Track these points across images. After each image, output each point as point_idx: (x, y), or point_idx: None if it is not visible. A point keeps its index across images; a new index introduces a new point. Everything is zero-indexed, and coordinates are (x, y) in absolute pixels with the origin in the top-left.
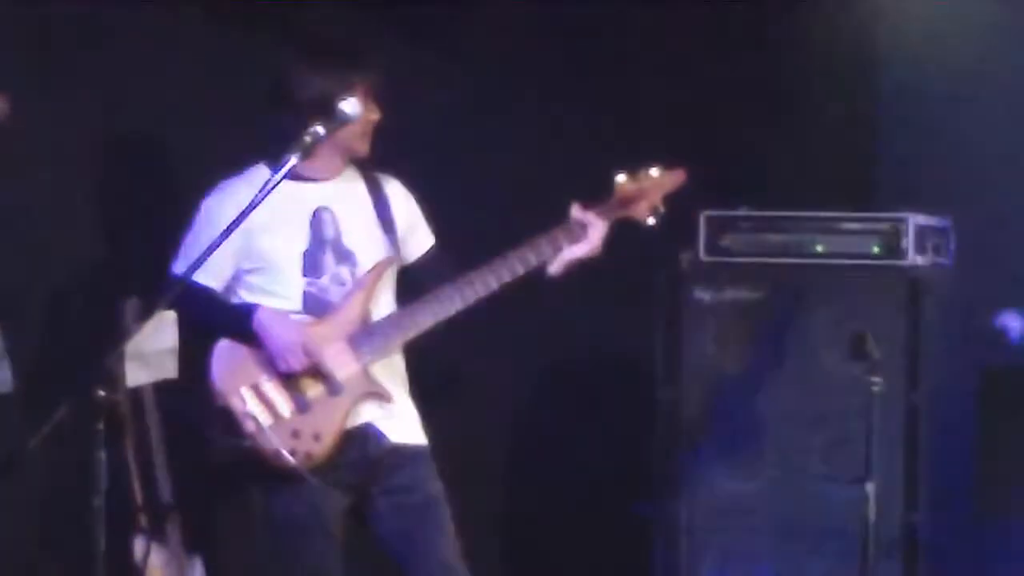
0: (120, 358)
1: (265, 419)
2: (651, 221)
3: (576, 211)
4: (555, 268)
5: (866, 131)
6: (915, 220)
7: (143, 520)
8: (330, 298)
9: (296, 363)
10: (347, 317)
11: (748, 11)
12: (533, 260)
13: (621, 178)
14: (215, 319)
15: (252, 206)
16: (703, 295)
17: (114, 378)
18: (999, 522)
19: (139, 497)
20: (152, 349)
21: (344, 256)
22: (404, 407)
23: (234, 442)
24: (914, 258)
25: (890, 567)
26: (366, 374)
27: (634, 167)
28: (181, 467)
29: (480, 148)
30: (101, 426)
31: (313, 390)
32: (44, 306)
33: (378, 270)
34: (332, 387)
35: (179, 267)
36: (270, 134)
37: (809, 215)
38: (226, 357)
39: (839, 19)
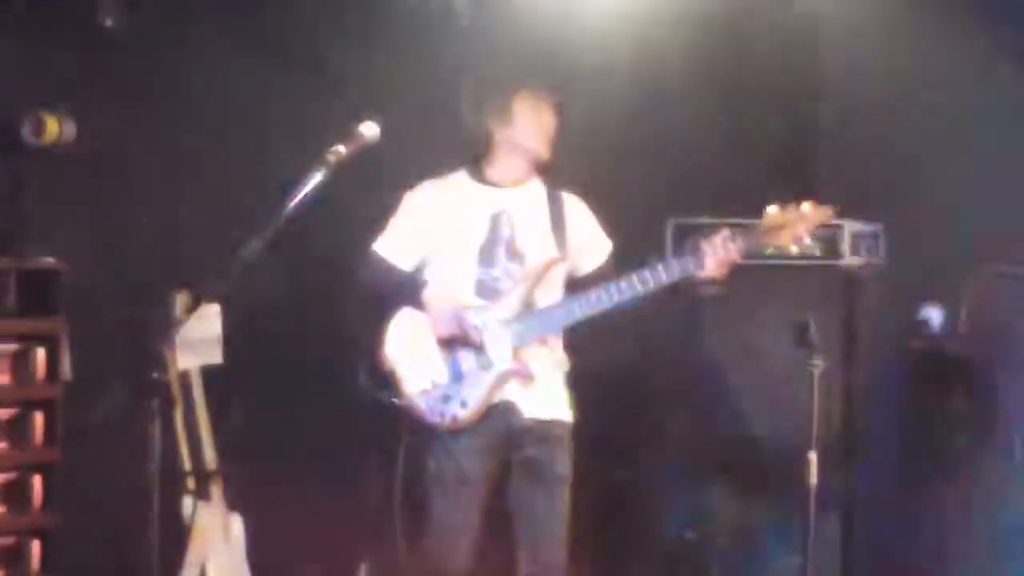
0: (171, 345)
1: (423, 384)
2: (794, 250)
3: (702, 242)
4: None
5: (810, 149)
6: (850, 227)
7: (191, 483)
8: (500, 288)
9: (453, 331)
10: (509, 304)
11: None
12: (669, 277)
13: (772, 209)
14: (396, 289)
15: (291, 204)
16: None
17: (166, 362)
18: (923, 483)
19: (187, 464)
20: (199, 337)
21: (515, 254)
22: (550, 388)
23: (395, 400)
24: (850, 259)
25: (829, 523)
26: (516, 354)
27: (785, 201)
28: (223, 435)
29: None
30: (155, 403)
31: (467, 363)
32: (109, 298)
33: (544, 266)
34: (484, 362)
35: (379, 245)
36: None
37: (760, 222)
38: (400, 329)
39: (784, 48)
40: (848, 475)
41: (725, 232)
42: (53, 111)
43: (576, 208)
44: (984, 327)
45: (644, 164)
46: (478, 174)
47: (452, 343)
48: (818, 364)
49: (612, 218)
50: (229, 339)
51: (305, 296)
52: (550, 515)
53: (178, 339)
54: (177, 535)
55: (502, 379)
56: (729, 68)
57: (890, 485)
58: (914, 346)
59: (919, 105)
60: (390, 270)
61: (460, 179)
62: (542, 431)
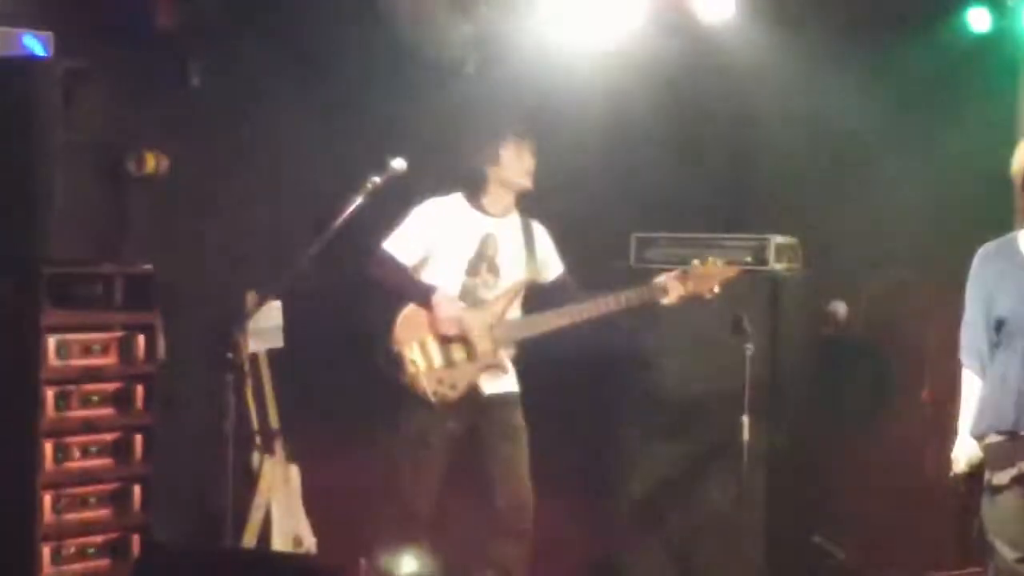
0: (243, 332)
1: (423, 366)
2: (707, 296)
3: (660, 277)
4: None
5: (746, 178)
6: (775, 239)
7: (258, 440)
8: (480, 294)
9: (452, 330)
10: (493, 312)
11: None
12: (627, 304)
13: (696, 263)
14: (405, 285)
15: (337, 221)
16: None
17: (239, 346)
18: (832, 440)
19: (256, 424)
20: (265, 326)
21: (494, 268)
22: (511, 373)
23: (399, 376)
24: (774, 265)
25: (759, 473)
26: (495, 351)
27: (704, 258)
28: (285, 403)
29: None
30: (231, 378)
31: (459, 354)
32: (194, 296)
33: (518, 288)
34: (472, 355)
35: (388, 244)
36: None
37: (704, 236)
38: (407, 320)
39: (726, 96)
40: (772, 434)
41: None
42: (151, 149)
43: (541, 233)
44: (878, 318)
45: (613, 188)
46: (473, 200)
47: (448, 338)
48: (750, 347)
49: (588, 231)
50: (289, 327)
51: (349, 291)
52: (517, 459)
53: (248, 328)
54: (247, 482)
55: (483, 370)
56: (683, 111)
57: (806, 441)
58: (824, 333)
59: (829, 141)
60: (395, 264)
61: (458, 201)
62: (501, 400)
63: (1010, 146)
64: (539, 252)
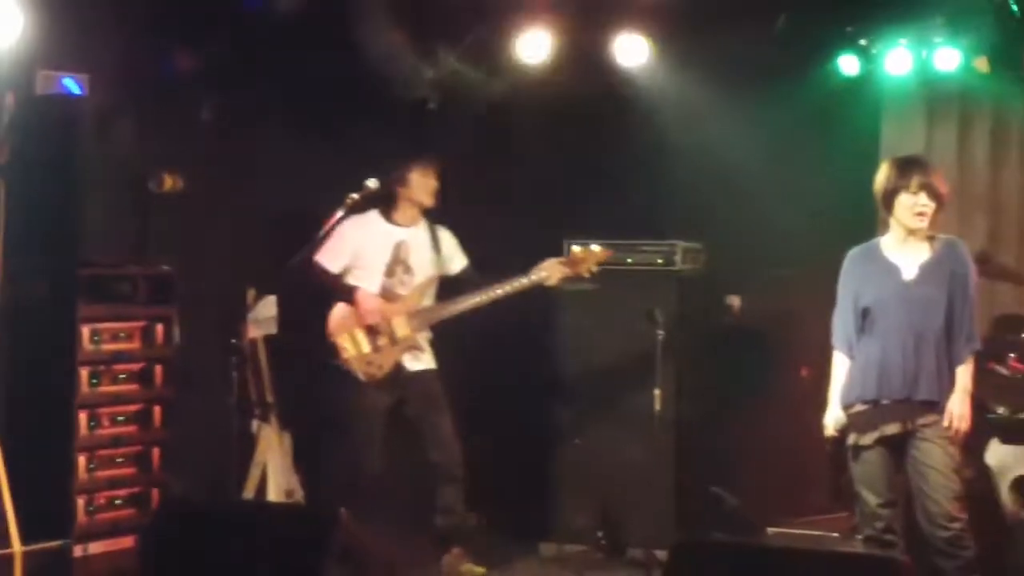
0: (245, 321)
1: (353, 351)
2: (587, 276)
3: (544, 263)
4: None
5: (658, 193)
6: (681, 244)
7: (257, 410)
8: (397, 291)
9: (375, 319)
10: (408, 303)
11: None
12: (518, 287)
13: (575, 248)
14: (335, 288)
15: (330, 229)
16: (566, 287)
17: (241, 333)
18: (730, 409)
19: (254, 397)
20: (263, 316)
21: (408, 269)
22: (429, 353)
23: (334, 360)
24: (680, 266)
25: (668, 438)
26: (412, 336)
27: (584, 242)
28: (278, 380)
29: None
30: (234, 360)
31: (382, 339)
32: (204, 292)
33: (427, 282)
34: (393, 340)
35: (319, 256)
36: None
37: (624, 242)
38: (338, 314)
39: (641, 122)
40: (680, 405)
41: (543, 267)
42: (169, 171)
43: (446, 235)
44: (766, 309)
45: (548, 202)
46: (386, 215)
47: (373, 327)
48: (661, 334)
49: (529, 239)
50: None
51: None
52: (440, 421)
53: (249, 318)
54: (247, 445)
55: (403, 350)
56: (607, 138)
57: (707, 411)
58: (722, 322)
59: (727, 164)
60: (325, 272)
61: (374, 216)
62: (422, 375)
63: (873, 169)
64: (444, 251)
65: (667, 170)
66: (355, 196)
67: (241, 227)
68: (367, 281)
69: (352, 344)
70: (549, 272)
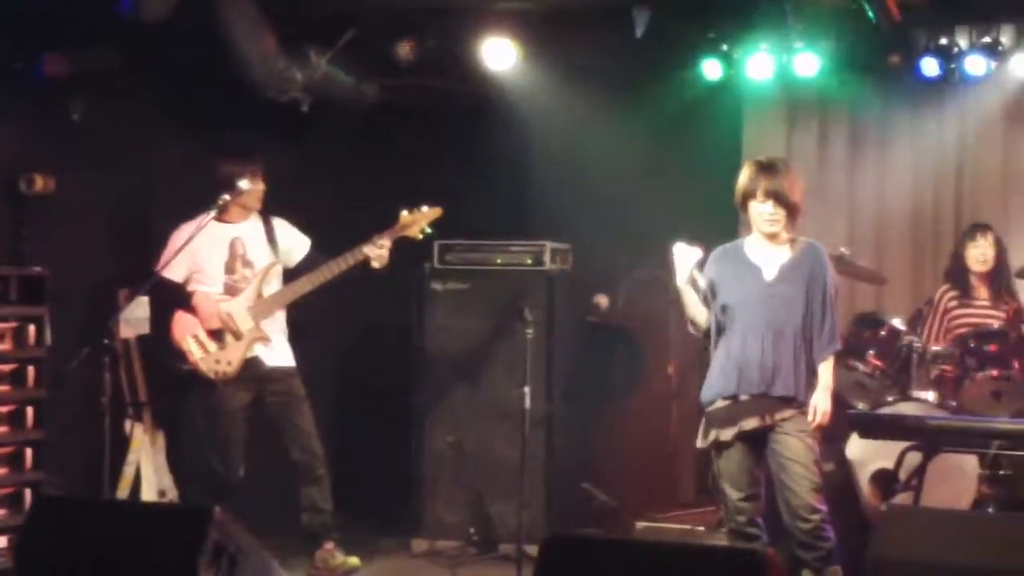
0: (116, 321)
1: (200, 353)
2: (420, 236)
3: (376, 236)
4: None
5: (526, 196)
6: (550, 245)
7: (130, 409)
8: (240, 286)
9: (215, 323)
10: (247, 296)
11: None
12: (352, 261)
13: (404, 213)
14: (174, 297)
15: (190, 238)
16: (437, 287)
17: (113, 333)
18: (598, 405)
19: (127, 397)
20: (135, 317)
21: (248, 263)
22: (282, 345)
23: (184, 365)
24: (549, 266)
25: (538, 435)
26: (257, 327)
27: (411, 206)
28: (151, 380)
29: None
30: (107, 360)
31: (227, 336)
32: (77, 292)
33: (263, 271)
34: (238, 335)
35: (159, 268)
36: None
37: (493, 243)
38: (180, 319)
39: (507, 125)
40: (549, 402)
41: (375, 239)
42: (41, 172)
43: (282, 225)
44: (632, 308)
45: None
46: (218, 216)
47: (216, 319)
48: (530, 332)
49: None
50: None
51: None
52: (304, 420)
53: (121, 318)
54: (121, 445)
55: (250, 343)
56: (474, 138)
57: (576, 407)
58: (589, 320)
59: (594, 167)
60: (166, 282)
61: (206, 219)
62: (281, 373)
63: (735, 172)
64: (280, 241)
65: (536, 172)
66: (227, 197)
67: (113, 228)
68: (210, 283)
69: (198, 346)
70: (380, 243)
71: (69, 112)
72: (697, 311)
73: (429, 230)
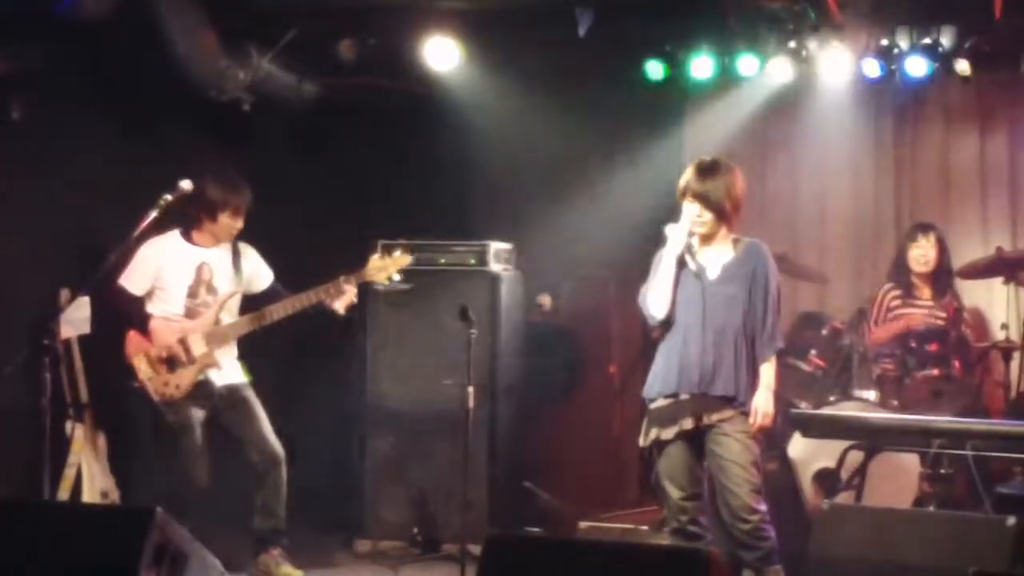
0: (57, 322)
1: (150, 374)
2: (386, 283)
3: (342, 279)
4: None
5: (470, 197)
6: (494, 245)
7: (71, 411)
8: (199, 311)
9: (165, 354)
10: (204, 322)
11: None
12: (315, 299)
13: (375, 257)
14: (131, 315)
15: (135, 233)
16: (379, 287)
17: (54, 333)
18: (541, 404)
19: (68, 398)
20: (76, 317)
21: (211, 289)
22: (231, 365)
23: (132, 382)
24: (493, 266)
25: (481, 435)
26: (210, 353)
27: (391, 243)
28: (92, 381)
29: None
30: (47, 359)
31: (179, 359)
32: (19, 293)
33: (224, 298)
34: (191, 359)
35: (122, 280)
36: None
37: (436, 243)
38: (133, 338)
39: (453, 128)
40: (492, 401)
41: (341, 281)
42: None
43: (248, 253)
44: (575, 308)
45: (366, 205)
46: (187, 237)
47: (170, 349)
48: (474, 332)
49: (339, 239)
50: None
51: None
52: (258, 424)
53: (62, 318)
54: (62, 446)
55: (201, 369)
56: (418, 137)
57: (519, 407)
58: (533, 320)
59: (538, 168)
60: (127, 296)
61: (175, 238)
62: (230, 389)
63: (678, 172)
64: (245, 269)
65: (480, 172)
66: (168, 197)
67: (55, 227)
68: (171, 302)
69: (148, 366)
70: (343, 288)
71: (7, 111)
72: (667, 295)
73: (397, 277)
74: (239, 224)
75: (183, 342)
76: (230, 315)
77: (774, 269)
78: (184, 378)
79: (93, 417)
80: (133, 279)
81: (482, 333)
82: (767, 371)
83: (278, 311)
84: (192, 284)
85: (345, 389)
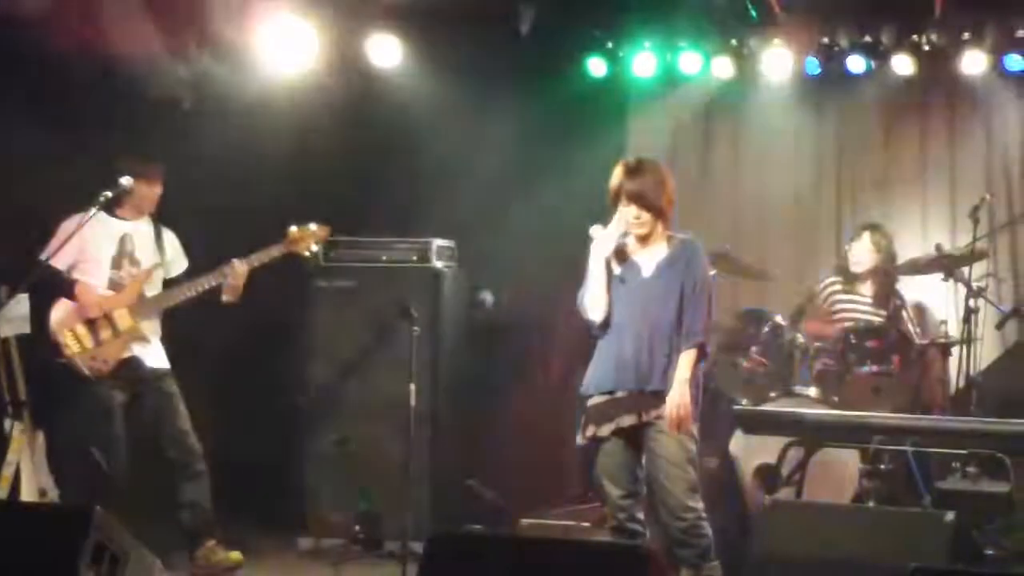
0: None
1: (76, 348)
2: (307, 254)
3: (235, 261)
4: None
5: (411, 194)
6: (436, 242)
7: (9, 409)
8: (123, 283)
9: (95, 313)
10: (129, 294)
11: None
12: (213, 284)
13: (293, 228)
14: (56, 285)
15: (80, 225)
16: (322, 284)
17: None
18: (484, 402)
19: (7, 396)
20: (15, 315)
21: (135, 262)
22: (157, 347)
23: (59, 358)
24: (436, 263)
25: (423, 433)
26: (136, 326)
27: (301, 223)
28: (31, 378)
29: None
30: None
31: (105, 333)
32: None
33: (147, 272)
34: (116, 332)
35: (45, 256)
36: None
37: (379, 240)
38: (58, 312)
39: (395, 128)
40: (434, 399)
41: (235, 263)
42: None
43: (170, 237)
44: (517, 306)
45: (308, 202)
46: (110, 210)
47: (94, 321)
48: (416, 329)
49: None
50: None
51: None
52: (180, 419)
53: (0, 316)
54: (0, 444)
55: (127, 342)
56: (362, 139)
57: (462, 405)
58: (475, 317)
59: (481, 165)
60: (51, 270)
61: (99, 213)
62: (156, 374)
63: None
64: (168, 251)
65: (422, 169)
66: (109, 194)
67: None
68: (94, 275)
69: (74, 340)
70: (237, 268)
71: None
72: (602, 297)
73: (316, 248)
74: (157, 190)
75: (108, 316)
76: (154, 290)
77: (706, 265)
78: (111, 352)
79: (31, 415)
80: (56, 253)
81: (424, 330)
82: (682, 364)
83: (195, 286)
84: (116, 255)
85: (286, 386)
